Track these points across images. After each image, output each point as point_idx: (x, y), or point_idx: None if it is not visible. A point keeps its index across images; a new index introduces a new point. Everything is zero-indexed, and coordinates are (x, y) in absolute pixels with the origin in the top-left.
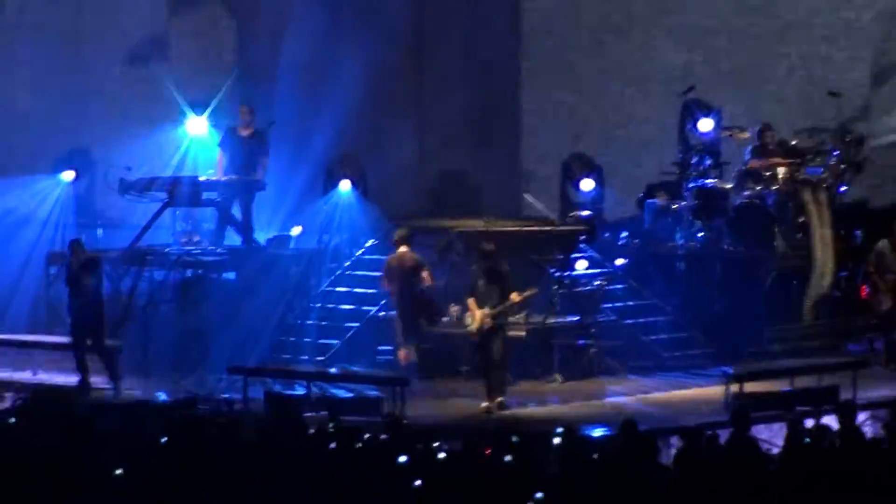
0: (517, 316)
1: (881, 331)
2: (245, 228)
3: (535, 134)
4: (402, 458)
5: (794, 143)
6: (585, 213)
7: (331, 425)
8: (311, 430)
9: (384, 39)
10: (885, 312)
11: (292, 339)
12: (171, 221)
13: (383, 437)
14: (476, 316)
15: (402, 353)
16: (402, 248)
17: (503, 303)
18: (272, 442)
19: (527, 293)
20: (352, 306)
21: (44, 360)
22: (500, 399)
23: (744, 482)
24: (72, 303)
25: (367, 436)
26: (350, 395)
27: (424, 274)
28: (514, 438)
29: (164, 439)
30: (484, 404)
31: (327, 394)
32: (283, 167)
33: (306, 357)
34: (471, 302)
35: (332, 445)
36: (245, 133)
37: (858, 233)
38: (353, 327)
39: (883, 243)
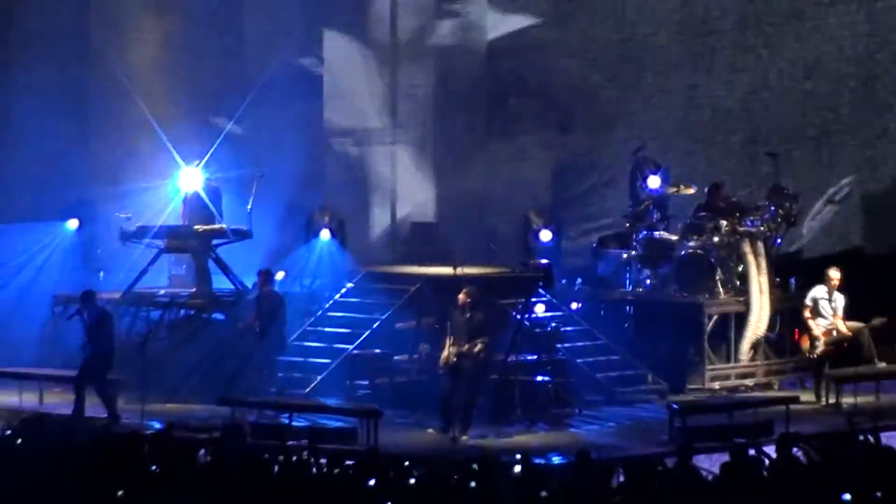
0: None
1: (813, 371)
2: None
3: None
4: (372, 482)
5: (735, 199)
6: (544, 261)
7: (305, 452)
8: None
9: None
10: (819, 357)
11: (277, 373)
12: (166, 266)
13: (353, 463)
14: (445, 353)
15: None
16: None
17: (470, 347)
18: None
19: (476, 347)
20: (330, 344)
21: (48, 390)
22: (465, 433)
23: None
24: (87, 348)
25: (347, 462)
26: (329, 424)
27: None
28: (476, 467)
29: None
30: (451, 435)
31: (311, 423)
32: (271, 217)
33: (289, 390)
34: (447, 341)
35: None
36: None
37: (793, 280)
38: (331, 363)
39: (818, 290)
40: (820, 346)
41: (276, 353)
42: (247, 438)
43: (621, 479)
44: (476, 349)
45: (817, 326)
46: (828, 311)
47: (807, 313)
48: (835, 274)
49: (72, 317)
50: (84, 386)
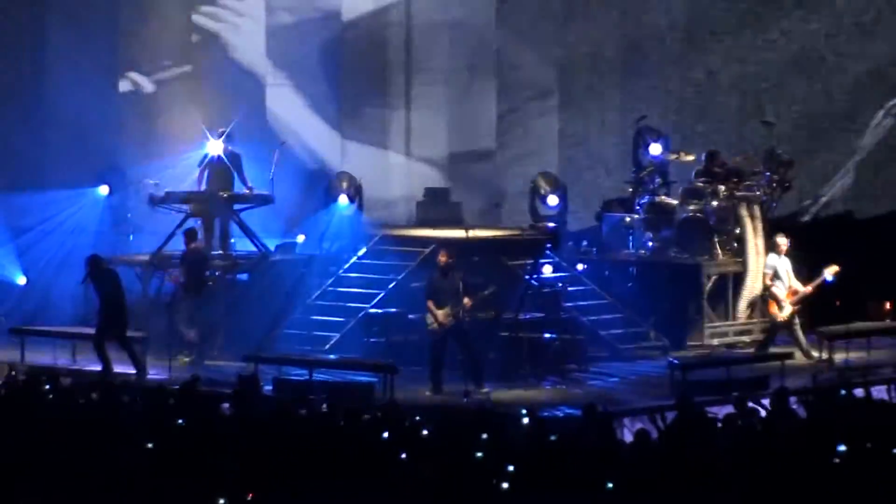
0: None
1: (787, 331)
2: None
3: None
4: (385, 434)
5: (733, 165)
6: (551, 224)
7: (324, 406)
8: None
9: None
10: (784, 321)
11: (297, 331)
12: None
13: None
14: (439, 316)
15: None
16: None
17: (460, 305)
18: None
19: (483, 293)
20: (348, 304)
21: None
22: (482, 388)
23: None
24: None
25: (365, 416)
26: (347, 381)
27: None
28: (486, 419)
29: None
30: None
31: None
32: (292, 182)
33: (309, 347)
34: (430, 304)
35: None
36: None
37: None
38: (349, 322)
39: (772, 257)
40: (787, 308)
41: (202, 304)
42: (262, 390)
43: (625, 431)
44: (484, 294)
45: (780, 290)
46: (784, 275)
47: (768, 280)
48: (783, 241)
49: (83, 281)
50: (103, 344)
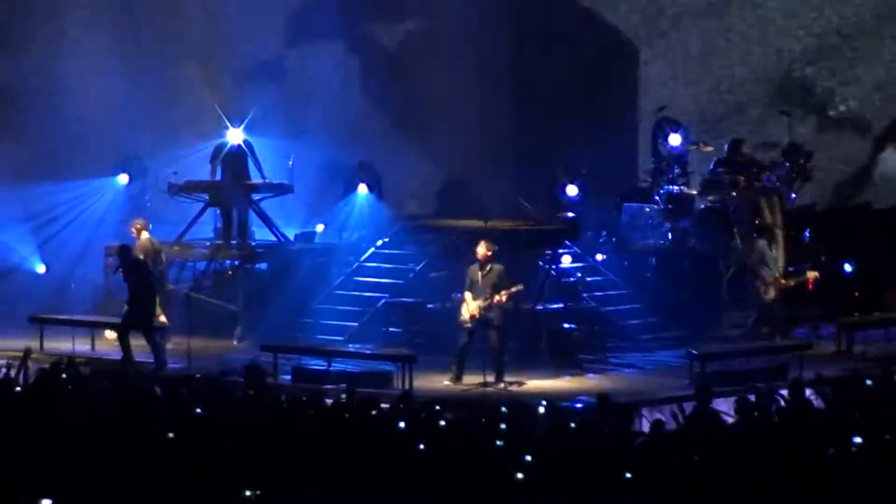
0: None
1: (765, 318)
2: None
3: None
4: (402, 425)
5: (752, 155)
6: (570, 214)
7: (343, 396)
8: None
9: None
10: (769, 302)
11: (317, 321)
12: (211, 218)
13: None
14: (469, 307)
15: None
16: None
17: (493, 297)
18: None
19: (513, 290)
20: (367, 293)
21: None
22: (502, 380)
23: (705, 445)
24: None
25: (382, 405)
26: (365, 370)
27: None
28: (504, 409)
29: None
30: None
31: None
32: (312, 172)
33: (328, 337)
34: (467, 295)
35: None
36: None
37: (806, 233)
38: (368, 311)
39: (761, 243)
40: (771, 292)
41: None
42: (266, 378)
43: (643, 421)
44: (512, 291)
45: (766, 273)
46: (771, 262)
47: (755, 266)
48: (778, 231)
49: (116, 271)
50: (127, 334)
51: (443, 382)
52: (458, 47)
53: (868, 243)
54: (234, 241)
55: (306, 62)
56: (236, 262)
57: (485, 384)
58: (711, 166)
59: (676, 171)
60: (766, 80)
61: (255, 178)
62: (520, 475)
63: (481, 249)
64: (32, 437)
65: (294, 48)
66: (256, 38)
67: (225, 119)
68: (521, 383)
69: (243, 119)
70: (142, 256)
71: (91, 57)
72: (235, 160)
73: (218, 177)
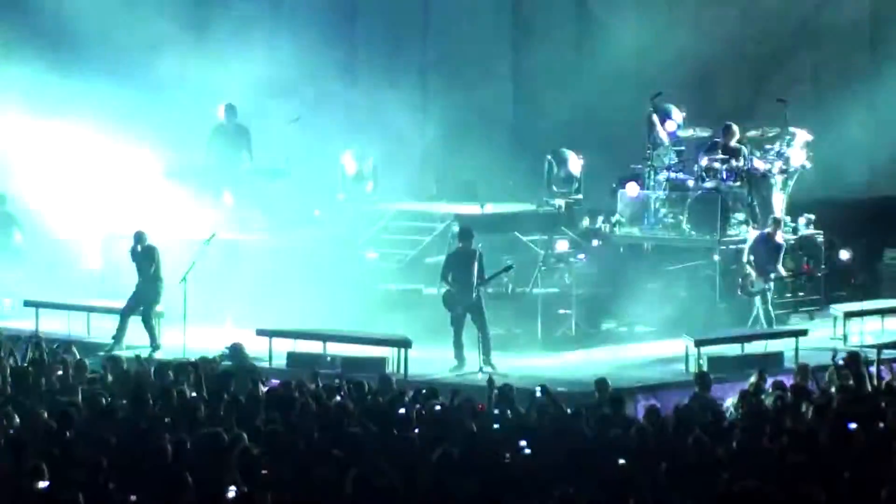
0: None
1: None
2: None
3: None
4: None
5: (747, 140)
6: (566, 200)
7: (336, 381)
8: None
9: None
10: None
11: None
12: None
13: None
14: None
15: None
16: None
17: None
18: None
19: (499, 271)
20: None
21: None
22: (490, 362)
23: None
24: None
25: (374, 389)
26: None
27: None
28: (498, 392)
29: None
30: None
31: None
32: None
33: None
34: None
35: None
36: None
37: (802, 221)
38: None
39: (751, 233)
40: (759, 284)
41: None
42: (247, 360)
43: (638, 406)
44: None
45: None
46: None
47: (746, 255)
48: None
49: (133, 252)
50: (129, 316)
51: (443, 369)
52: None
53: (865, 231)
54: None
55: None
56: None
57: (480, 369)
58: (705, 151)
59: (672, 157)
60: None
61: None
62: (514, 459)
63: (461, 232)
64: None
65: None
66: None
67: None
68: (515, 368)
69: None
70: None
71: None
72: (229, 142)
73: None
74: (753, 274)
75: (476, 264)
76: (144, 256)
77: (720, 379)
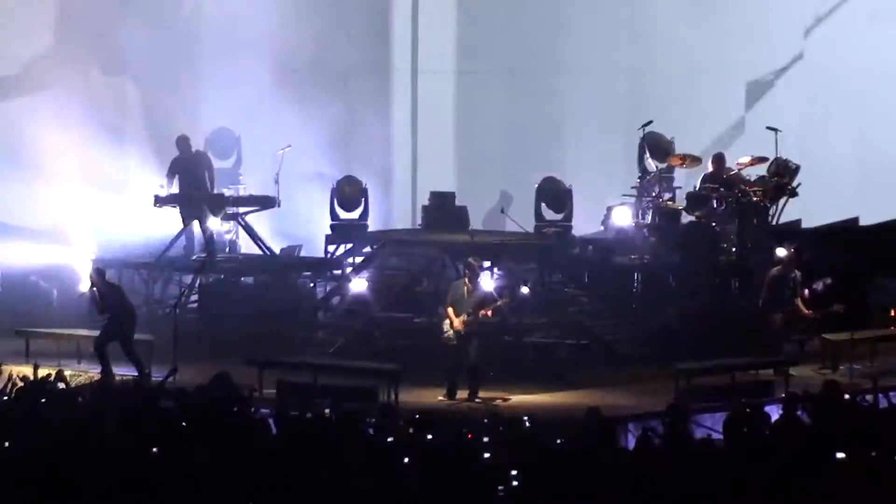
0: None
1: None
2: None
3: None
4: (390, 439)
5: (738, 170)
6: (556, 229)
7: (327, 411)
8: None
9: None
10: (777, 329)
11: (302, 335)
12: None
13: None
14: (455, 323)
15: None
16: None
17: (478, 312)
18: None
19: (499, 303)
20: (354, 307)
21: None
22: (477, 396)
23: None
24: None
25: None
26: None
27: None
28: (488, 422)
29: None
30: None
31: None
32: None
33: (314, 351)
34: (450, 311)
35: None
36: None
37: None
38: (354, 325)
39: (777, 269)
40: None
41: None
42: (232, 386)
43: (628, 437)
44: (499, 305)
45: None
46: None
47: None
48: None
49: (89, 292)
50: (103, 347)
51: (436, 398)
52: None
53: (854, 259)
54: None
55: None
56: (221, 277)
57: (467, 400)
58: (698, 182)
59: (662, 186)
60: None
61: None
62: (505, 490)
63: (468, 266)
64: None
65: None
66: None
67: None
68: (505, 398)
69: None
70: None
71: None
72: (191, 170)
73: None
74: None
75: (479, 295)
76: (106, 293)
77: (709, 408)
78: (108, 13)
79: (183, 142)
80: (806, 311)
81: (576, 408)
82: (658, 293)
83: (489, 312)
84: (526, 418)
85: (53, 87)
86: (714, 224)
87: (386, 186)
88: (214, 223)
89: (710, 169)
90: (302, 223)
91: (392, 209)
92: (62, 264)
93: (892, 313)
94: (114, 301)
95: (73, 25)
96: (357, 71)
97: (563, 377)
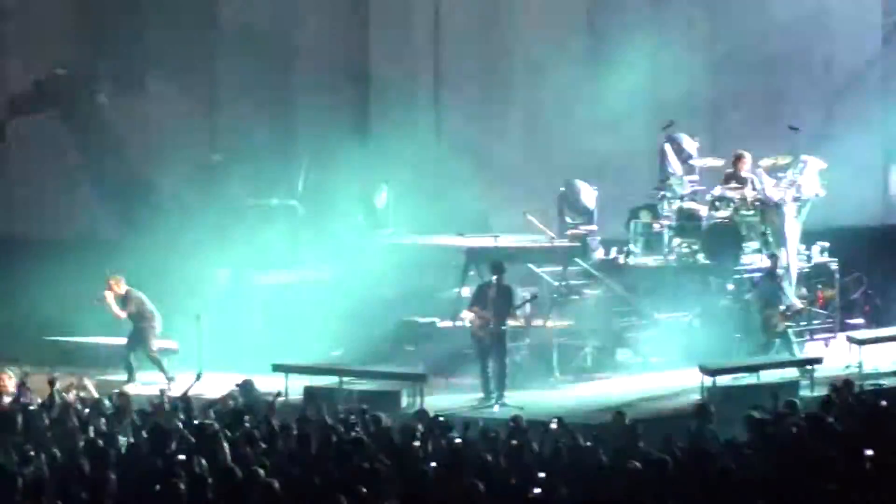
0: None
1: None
2: None
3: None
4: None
5: (759, 169)
6: (580, 231)
7: (352, 417)
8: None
9: None
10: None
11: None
12: None
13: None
14: (476, 322)
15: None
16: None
17: (510, 314)
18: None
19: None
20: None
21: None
22: (504, 395)
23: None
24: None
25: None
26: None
27: None
28: (514, 425)
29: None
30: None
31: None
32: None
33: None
34: (470, 312)
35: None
36: None
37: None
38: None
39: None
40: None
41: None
42: (260, 397)
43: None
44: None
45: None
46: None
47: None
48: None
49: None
50: (129, 355)
51: (464, 403)
52: None
53: (879, 258)
54: None
55: None
56: None
57: (494, 403)
58: (721, 181)
59: (685, 187)
60: None
61: None
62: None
63: (492, 268)
64: None
65: None
66: None
67: None
68: (529, 401)
69: None
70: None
71: None
72: None
73: None
74: (777, 315)
75: (506, 298)
76: (124, 304)
77: (734, 409)
78: None
79: None
80: (799, 305)
81: (601, 410)
82: (683, 293)
83: (515, 313)
84: (554, 419)
85: None
86: (739, 224)
87: None
88: None
89: (732, 168)
90: None
91: None
92: None
93: None
94: (131, 311)
95: None
96: None
97: (588, 378)
